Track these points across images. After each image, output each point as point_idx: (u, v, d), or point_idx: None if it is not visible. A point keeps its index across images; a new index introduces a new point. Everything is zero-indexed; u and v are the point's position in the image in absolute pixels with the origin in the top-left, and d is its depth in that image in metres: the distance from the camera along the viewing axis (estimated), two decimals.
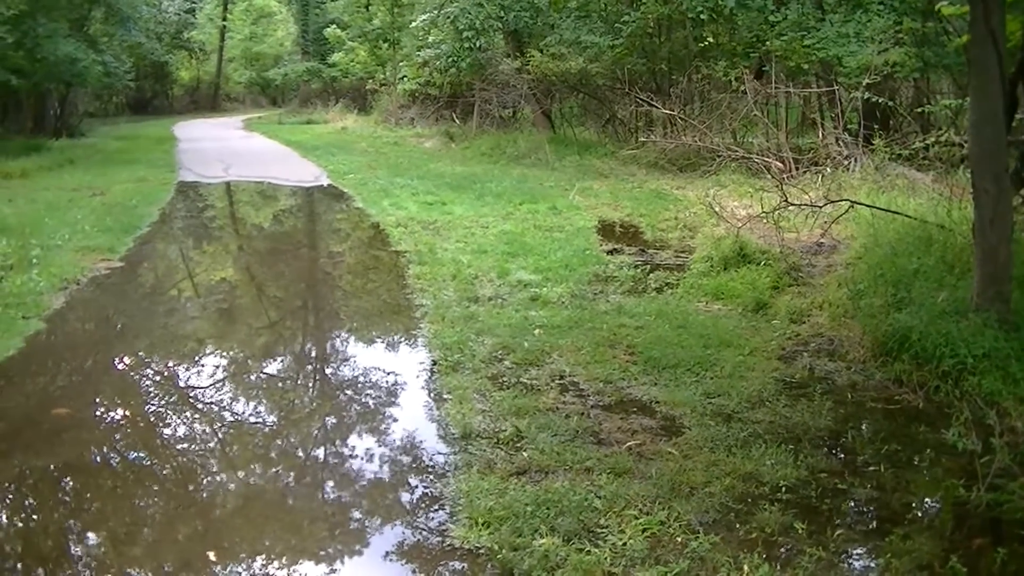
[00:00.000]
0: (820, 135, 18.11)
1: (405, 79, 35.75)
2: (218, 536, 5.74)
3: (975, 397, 7.10)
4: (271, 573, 5.33)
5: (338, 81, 48.38)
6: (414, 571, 5.27)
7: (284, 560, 5.45)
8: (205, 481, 6.60)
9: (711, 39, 23.60)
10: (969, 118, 8.68)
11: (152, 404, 8.29)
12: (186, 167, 24.40)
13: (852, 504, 5.91)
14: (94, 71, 28.57)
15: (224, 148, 30.16)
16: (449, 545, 5.37)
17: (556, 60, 25.21)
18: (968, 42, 8.58)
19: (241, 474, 6.64)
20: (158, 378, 8.94)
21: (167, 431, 7.57)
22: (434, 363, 8.58)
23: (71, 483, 6.56)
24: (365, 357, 9.42)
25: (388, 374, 8.73)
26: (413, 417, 7.53)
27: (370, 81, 41.70)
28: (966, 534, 5.53)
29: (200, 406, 8.14)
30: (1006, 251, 8.14)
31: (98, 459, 6.98)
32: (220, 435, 7.45)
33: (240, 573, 5.32)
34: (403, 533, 5.68)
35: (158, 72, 54.78)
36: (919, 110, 18.18)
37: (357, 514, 6.05)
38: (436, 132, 31.42)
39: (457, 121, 32.27)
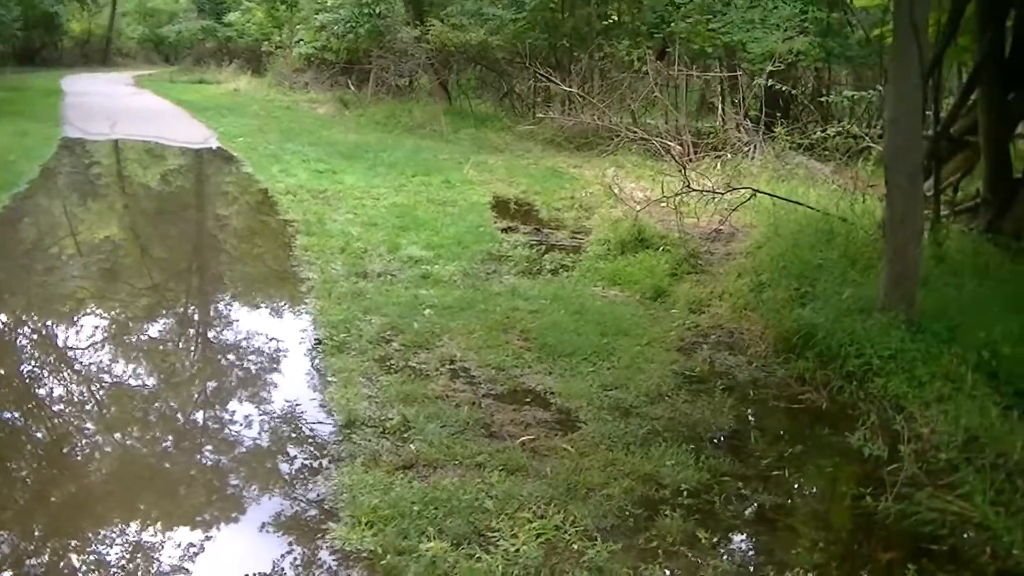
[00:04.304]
0: (721, 120, 17.98)
1: (301, 43, 34.92)
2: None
3: (881, 400, 6.92)
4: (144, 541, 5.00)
5: (233, 41, 47.20)
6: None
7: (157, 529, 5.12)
8: (79, 444, 6.28)
9: (615, 17, 23.38)
10: (886, 113, 8.51)
11: (27, 365, 7.90)
12: (71, 123, 23.44)
13: (756, 512, 5.60)
14: None
15: (113, 104, 29.13)
16: (329, 547, 4.96)
17: (456, 31, 24.81)
18: (893, 35, 8.39)
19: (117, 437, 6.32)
20: (34, 338, 8.57)
21: (41, 392, 7.22)
22: (319, 341, 8.14)
23: None
24: (247, 335, 8.86)
25: (269, 354, 8.27)
26: (295, 401, 7.05)
27: (266, 43, 40.70)
28: (875, 547, 5.27)
29: (77, 367, 7.76)
30: (915, 250, 7.96)
31: None
32: (96, 398, 7.11)
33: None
34: (278, 530, 5.24)
35: (47, 23, 52.89)
36: (820, 100, 18.14)
37: (224, 507, 5.56)
38: (330, 98, 30.77)
39: (352, 88, 31.66)
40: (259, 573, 4.80)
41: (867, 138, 13.81)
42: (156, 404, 7.01)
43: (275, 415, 6.88)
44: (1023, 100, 11.22)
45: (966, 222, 11.23)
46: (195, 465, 6.11)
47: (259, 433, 6.58)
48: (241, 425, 6.71)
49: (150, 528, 5.20)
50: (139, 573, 4.78)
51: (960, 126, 11.88)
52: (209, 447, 6.38)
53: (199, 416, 6.96)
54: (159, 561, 4.86)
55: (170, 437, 6.49)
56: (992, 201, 10.91)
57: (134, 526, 5.19)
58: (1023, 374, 6.95)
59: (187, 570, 4.83)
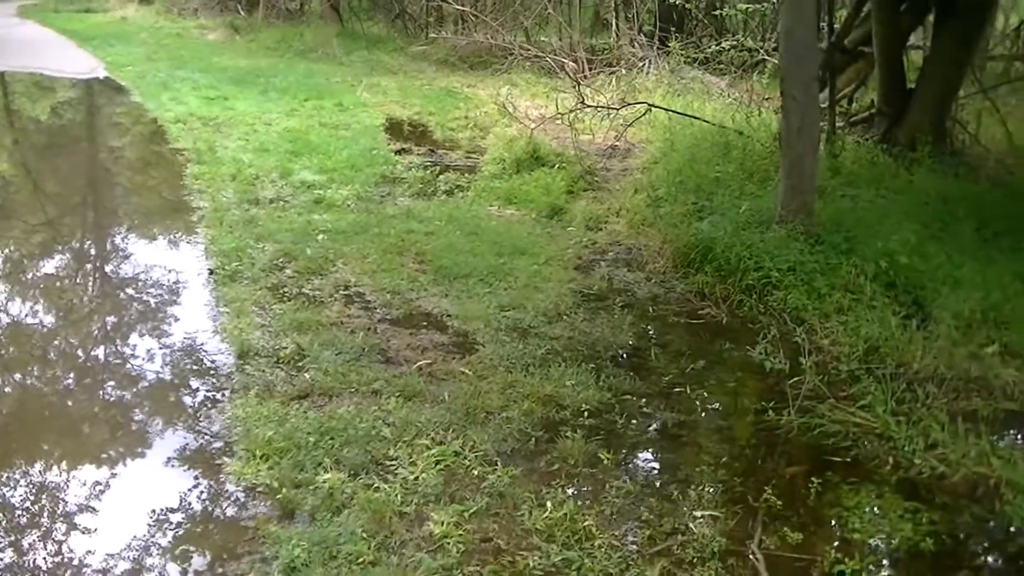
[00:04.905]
0: (615, 36, 17.81)
1: None
2: None
3: (781, 313, 6.89)
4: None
5: None
6: (183, 518, 4.63)
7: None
8: None
9: None
10: (781, 24, 8.41)
11: None
12: None
13: (659, 431, 5.53)
14: None
15: None
16: (224, 483, 4.78)
17: None
18: None
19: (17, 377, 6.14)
20: None
21: None
22: (210, 272, 7.87)
23: None
24: (138, 268, 8.50)
25: (163, 286, 7.97)
26: (187, 333, 6.79)
27: None
28: (779, 461, 5.23)
29: None
30: (811, 161, 7.93)
31: None
32: None
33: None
34: (177, 465, 5.05)
35: None
36: (714, 13, 18.03)
37: (121, 445, 5.35)
38: (221, 24, 30.01)
39: (243, 13, 30.98)
40: (163, 508, 4.63)
41: (761, 51, 13.77)
42: (50, 341, 6.79)
43: (167, 348, 6.63)
44: (914, 11, 11.23)
45: (861, 133, 11.26)
46: (85, 402, 5.92)
47: (148, 368, 6.33)
48: (130, 360, 6.48)
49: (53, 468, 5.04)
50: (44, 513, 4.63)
51: (854, 37, 11.88)
52: (110, 383, 6.17)
53: (91, 352, 6.71)
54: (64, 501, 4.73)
55: (57, 373, 6.29)
56: (887, 111, 10.94)
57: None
58: (921, 283, 6.97)
59: (93, 509, 4.69)
